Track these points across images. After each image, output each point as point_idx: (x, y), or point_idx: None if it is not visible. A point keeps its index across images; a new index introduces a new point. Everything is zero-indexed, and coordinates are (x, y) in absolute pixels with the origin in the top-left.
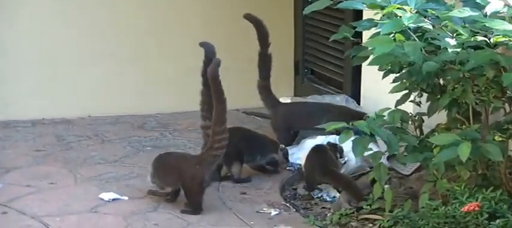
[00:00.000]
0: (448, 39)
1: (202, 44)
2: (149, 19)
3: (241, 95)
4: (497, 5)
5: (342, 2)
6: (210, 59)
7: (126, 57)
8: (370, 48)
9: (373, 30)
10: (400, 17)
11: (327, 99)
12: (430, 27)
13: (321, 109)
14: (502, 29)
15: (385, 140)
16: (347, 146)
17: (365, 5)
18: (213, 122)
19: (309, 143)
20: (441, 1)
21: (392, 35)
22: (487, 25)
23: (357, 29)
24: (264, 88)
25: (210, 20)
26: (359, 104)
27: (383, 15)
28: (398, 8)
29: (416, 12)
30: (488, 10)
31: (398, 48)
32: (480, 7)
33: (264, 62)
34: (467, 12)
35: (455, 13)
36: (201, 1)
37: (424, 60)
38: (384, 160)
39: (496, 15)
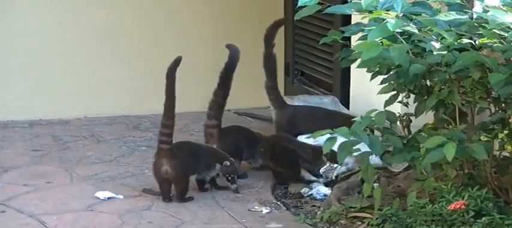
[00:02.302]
0: (433, 43)
1: (229, 46)
2: (144, 21)
3: (232, 95)
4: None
5: (330, 6)
6: (233, 61)
7: (122, 59)
8: (357, 52)
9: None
10: (387, 21)
11: (315, 100)
12: (416, 31)
13: (329, 115)
14: (500, 22)
15: (368, 143)
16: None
17: (353, 10)
18: (163, 115)
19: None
20: (427, 5)
21: (379, 39)
22: (487, 15)
23: (345, 34)
24: (272, 89)
25: (201, 21)
26: (348, 105)
27: (370, 20)
28: (385, 13)
29: (403, 15)
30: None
31: (385, 51)
32: (466, 8)
33: (270, 63)
34: (452, 16)
35: (441, 17)
36: (193, 3)
37: (410, 63)
38: (376, 158)
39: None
